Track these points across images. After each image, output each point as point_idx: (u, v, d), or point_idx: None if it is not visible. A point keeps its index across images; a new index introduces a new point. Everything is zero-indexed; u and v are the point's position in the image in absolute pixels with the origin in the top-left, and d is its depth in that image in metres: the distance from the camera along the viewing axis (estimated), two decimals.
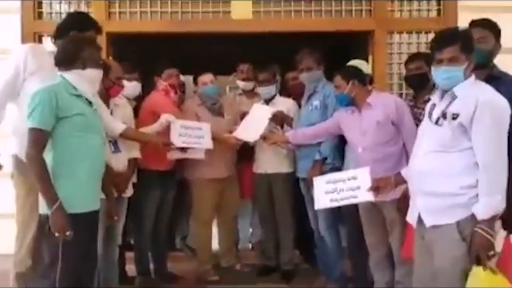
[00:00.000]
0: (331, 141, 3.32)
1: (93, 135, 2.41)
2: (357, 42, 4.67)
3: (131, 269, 3.69)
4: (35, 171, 2.24)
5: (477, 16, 2.65)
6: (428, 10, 4.40)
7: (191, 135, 3.37)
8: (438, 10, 4.36)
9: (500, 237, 2.26)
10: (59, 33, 2.81)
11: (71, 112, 2.31)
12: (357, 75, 3.06)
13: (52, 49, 2.80)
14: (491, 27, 2.52)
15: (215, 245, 4.04)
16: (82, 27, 2.79)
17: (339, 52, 4.74)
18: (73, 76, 2.40)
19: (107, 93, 3.06)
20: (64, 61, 2.42)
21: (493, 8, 3.92)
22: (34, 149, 2.25)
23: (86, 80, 2.43)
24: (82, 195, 2.34)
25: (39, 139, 2.25)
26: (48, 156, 2.29)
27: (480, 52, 2.44)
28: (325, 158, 3.32)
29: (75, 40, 2.53)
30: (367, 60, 4.19)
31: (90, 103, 2.46)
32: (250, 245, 4.64)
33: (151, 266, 3.70)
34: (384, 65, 4.29)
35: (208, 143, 3.43)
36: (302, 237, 3.96)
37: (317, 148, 3.34)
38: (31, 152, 2.25)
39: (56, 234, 2.22)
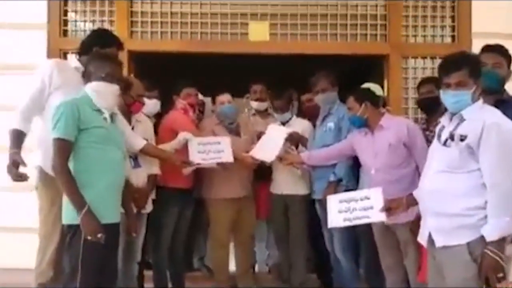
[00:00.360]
0: (346, 162, 3.36)
1: (112, 148, 2.48)
2: (372, 67, 4.75)
3: (149, 287, 3.68)
4: (62, 180, 2.33)
5: (491, 42, 2.71)
6: (442, 36, 4.48)
7: (210, 151, 3.40)
8: (453, 36, 4.44)
9: None
10: (83, 49, 2.91)
11: (90, 124, 2.40)
12: (370, 97, 3.12)
13: (76, 65, 2.89)
14: (504, 53, 2.58)
15: (232, 267, 4.03)
16: (104, 43, 2.88)
17: (354, 76, 4.82)
18: (93, 91, 2.49)
19: (128, 109, 3.15)
20: (86, 76, 2.53)
21: (507, 35, 3.99)
22: (59, 158, 2.34)
23: (105, 95, 2.50)
24: (101, 206, 2.38)
25: (64, 148, 2.35)
26: (69, 167, 2.36)
27: (496, 77, 2.51)
28: (340, 180, 3.36)
29: (96, 56, 2.62)
30: (382, 85, 4.27)
31: (111, 117, 2.54)
32: (267, 268, 4.59)
33: (169, 285, 3.69)
34: (399, 89, 4.36)
35: (228, 157, 3.44)
36: (319, 260, 3.96)
37: (332, 169, 3.39)
38: (57, 162, 2.35)
39: (89, 237, 2.28)
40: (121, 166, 2.55)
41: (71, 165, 2.37)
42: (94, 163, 2.40)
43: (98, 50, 2.82)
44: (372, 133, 3.08)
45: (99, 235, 2.29)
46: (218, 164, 3.48)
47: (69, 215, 2.36)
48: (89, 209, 2.30)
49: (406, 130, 2.96)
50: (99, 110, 2.48)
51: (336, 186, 3.34)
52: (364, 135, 3.12)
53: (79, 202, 2.31)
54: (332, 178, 3.38)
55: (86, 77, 2.55)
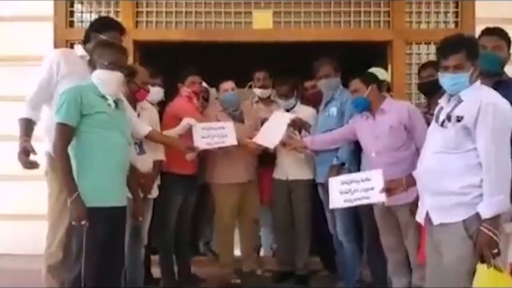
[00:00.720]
0: (348, 146, 3.41)
1: (115, 133, 2.52)
2: (376, 53, 4.76)
3: (156, 271, 3.78)
4: (59, 163, 2.41)
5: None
6: (446, 22, 4.48)
7: (214, 135, 3.46)
8: (456, 22, 4.44)
9: None
10: (86, 38, 2.97)
11: (93, 110, 2.45)
12: (375, 80, 3.16)
13: (82, 53, 2.94)
14: (504, 37, 2.60)
15: (238, 251, 4.11)
16: (103, 28, 2.93)
17: (358, 62, 4.83)
18: (98, 79, 2.54)
19: (133, 97, 3.20)
20: (92, 64, 2.59)
21: (510, 20, 3.97)
22: (60, 142, 2.41)
23: (109, 82, 2.54)
24: (103, 190, 2.44)
25: (64, 133, 2.41)
26: (72, 151, 2.42)
27: (496, 59, 2.53)
28: (343, 164, 3.41)
29: (100, 44, 2.66)
30: (386, 70, 4.29)
31: (116, 103, 2.58)
32: (271, 252, 4.67)
33: (175, 268, 3.77)
34: (402, 75, 4.37)
35: (232, 140, 3.49)
36: (322, 244, 4.01)
37: (335, 153, 3.43)
38: (57, 145, 2.42)
39: (73, 223, 2.35)
40: (124, 151, 2.60)
41: (74, 149, 2.43)
42: (96, 148, 2.46)
43: (98, 36, 2.87)
44: (373, 117, 3.12)
45: (83, 222, 2.34)
46: (222, 148, 3.52)
47: None
48: (78, 196, 2.35)
49: (407, 113, 3.01)
50: (103, 97, 2.53)
51: (338, 170, 3.38)
52: (366, 119, 3.16)
53: (70, 187, 2.37)
54: (335, 162, 3.42)
55: (92, 65, 2.61)
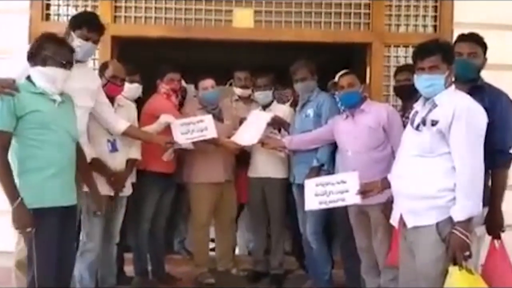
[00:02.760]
0: (328, 148, 3.42)
1: (53, 131, 2.41)
2: (355, 54, 4.79)
3: (129, 270, 3.75)
4: None
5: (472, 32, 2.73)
6: (425, 26, 4.52)
7: (194, 130, 3.43)
8: (434, 26, 4.48)
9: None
10: (65, 34, 2.84)
11: (26, 110, 2.33)
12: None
13: None
14: (479, 42, 2.61)
15: (212, 251, 4.11)
16: (78, 25, 2.83)
17: (338, 63, 4.85)
18: (34, 74, 2.43)
19: (104, 91, 3.13)
20: (28, 58, 2.45)
21: (488, 25, 4.05)
22: None
23: (46, 77, 2.41)
24: (46, 190, 2.37)
25: (0, 140, 2.30)
26: (13, 156, 2.34)
27: (473, 66, 2.54)
28: (322, 165, 3.42)
29: (39, 38, 2.52)
30: (365, 72, 4.32)
31: (54, 100, 2.45)
32: (247, 251, 4.68)
33: (149, 267, 3.75)
34: (380, 77, 4.39)
35: (212, 133, 3.47)
36: (297, 243, 4.02)
37: (312, 154, 3.44)
38: None
39: (18, 230, 2.30)
40: (67, 148, 2.48)
41: (15, 153, 2.35)
42: (35, 148, 2.36)
43: (73, 33, 2.80)
44: (352, 117, 3.14)
45: (28, 229, 2.28)
46: (203, 141, 3.50)
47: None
48: (21, 202, 2.28)
49: (386, 115, 3.05)
50: (40, 93, 2.42)
51: (318, 171, 3.39)
52: (345, 118, 3.20)
53: (11, 194, 2.29)
54: (315, 163, 3.43)
55: (32, 61, 2.44)
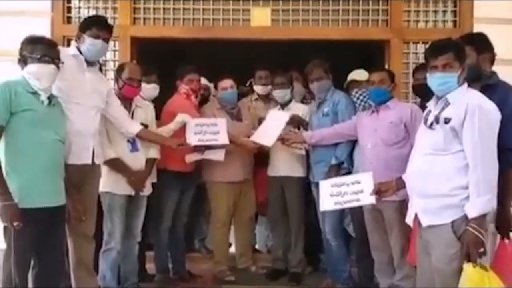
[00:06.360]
0: (347, 145, 3.43)
1: (46, 132, 2.45)
2: (373, 52, 4.76)
3: (151, 267, 3.81)
4: None
5: (493, 27, 2.68)
6: (444, 21, 4.47)
7: (206, 132, 3.45)
8: (454, 21, 4.42)
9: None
10: (77, 36, 2.93)
11: (20, 107, 2.37)
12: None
13: (73, 52, 2.89)
14: (471, 42, 2.53)
15: (232, 248, 4.14)
16: (86, 27, 2.89)
17: (356, 61, 4.83)
18: (25, 76, 2.48)
19: (122, 94, 3.19)
20: (21, 61, 2.51)
21: (508, 20, 3.99)
22: None
23: (32, 76, 2.45)
24: (31, 191, 2.38)
25: None
26: (1, 151, 2.37)
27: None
28: (341, 163, 3.43)
29: (24, 39, 2.55)
30: (383, 69, 4.30)
31: (49, 100, 2.50)
32: (266, 249, 4.70)
33: (170, 265, 3.80)
34: (399, 74, 4.34)
35: (224, 139, 3.48)
36: (309, 240, 4.01)
37: (331, 152, 3.46)
38: None
39: (5, 224, 2.31)
40: (55, 149, 2.51)
41: (4, 149, 2.38)
42: (24, 147, 2.39)
43: (83, 35, 2.85)
44: (377, 113, 3.17)
45: (15, 223, 2.29)
46: (213, 147, 3.52)
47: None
48: (10, 197, 2.31)
49: (409, 112, 3.08)
50: (35, 93, 2.46)
51: (337, 169, 3.41)
52: (370, 114, 3.22)
53: (1, 188, 2.32)
54: (333, 161, 3.44)
55: (22, 63, 2.50)
